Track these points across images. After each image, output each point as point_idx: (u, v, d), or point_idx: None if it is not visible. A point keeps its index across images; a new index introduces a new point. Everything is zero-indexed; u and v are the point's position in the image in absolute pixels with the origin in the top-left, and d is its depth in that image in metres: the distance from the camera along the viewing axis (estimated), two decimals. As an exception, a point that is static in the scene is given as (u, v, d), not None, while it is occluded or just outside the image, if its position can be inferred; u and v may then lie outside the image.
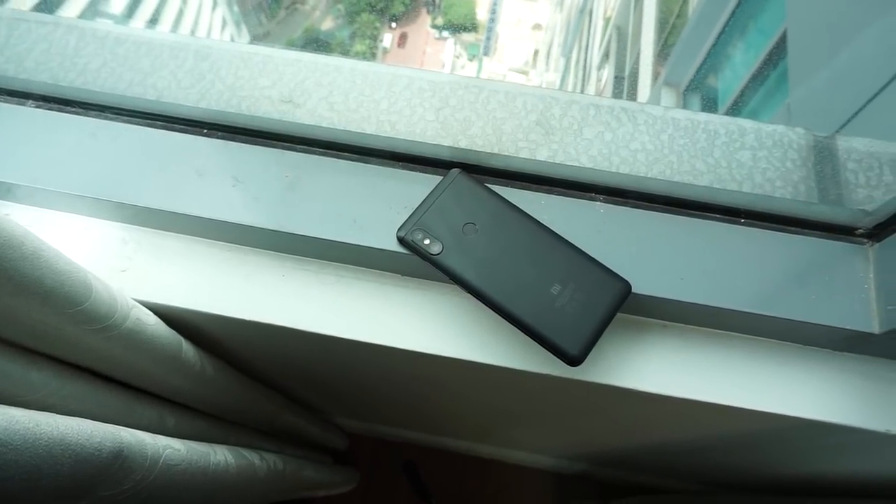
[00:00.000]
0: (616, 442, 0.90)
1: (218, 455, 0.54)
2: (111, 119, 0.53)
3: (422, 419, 1.13)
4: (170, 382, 0.54)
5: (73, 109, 0.54)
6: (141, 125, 0.53)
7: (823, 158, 0.50)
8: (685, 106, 4.51)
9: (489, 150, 0.50)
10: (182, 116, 0.53)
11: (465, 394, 0.72)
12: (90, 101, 0.54)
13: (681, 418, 0.60)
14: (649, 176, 0.49)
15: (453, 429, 1.18)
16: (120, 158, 0.51)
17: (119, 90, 0.53)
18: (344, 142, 0.52)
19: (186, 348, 0.54)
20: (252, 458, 0.63)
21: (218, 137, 0.53)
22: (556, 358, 0.44)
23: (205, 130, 0.53)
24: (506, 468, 1.35)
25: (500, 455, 1.33)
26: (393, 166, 0.52)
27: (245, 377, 0.70)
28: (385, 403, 1.00)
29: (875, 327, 0.45)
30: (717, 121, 0.52)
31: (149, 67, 0.54)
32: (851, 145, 0.51)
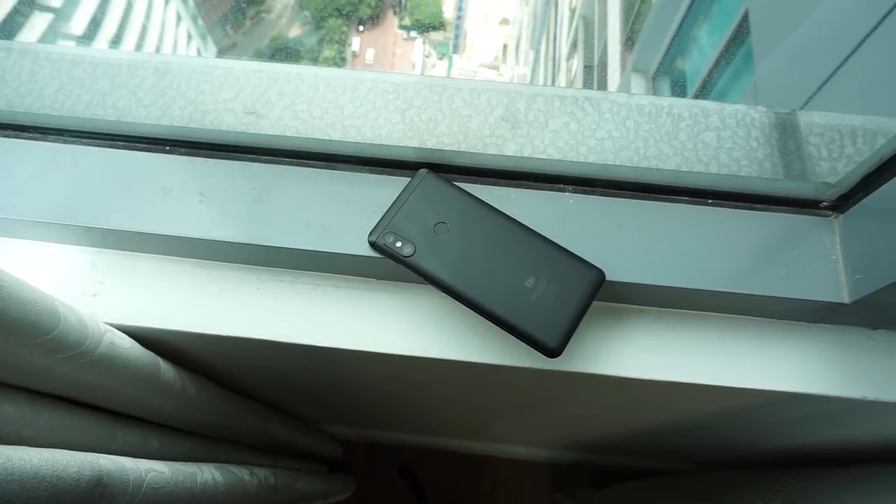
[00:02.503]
0: (605, 429, 0.91)
1: (205, 474, 0.53)
2: (70, 142, 0.52)
3: (413, 421, 1.12)
4: (151, 404, 0.53)
5: (31, 135, 0.53)
6: (102, 146, 0.52)
7: (786, 134, 0.51)
8: (655, 91, 4.56)
9: (456, 149, 0.50)
10: (144, 135, 0.52)
11: (451, 393, 0.72)
12: (48, 126, 0.53)
13: (664, 401, 0.61)
14: (617, 163, 0.49)
15: (445, 428, 1.19)
16: (82, 182, 0.51)
17: (78, 112, 0.52)
18: (310, 150, 0.52)
19: (165, 369, 0.53)
20: (241, 474, 0.62)
21: (181, 154, 0.52)
22: (535, 351, 0.44)
23: (168, 147, 0.52)
24: (500, 463, 1.35)
25: (494, 450, 1.34)
26: (361, 171, 0.52)
27: (229, 393, 0.69)
28: (374, 408, 0.99)
29: (845, 297, 0.46)
30: (681, 104, 0.52)
31: (108, 88, 0.53)
32: (812, 120, 0.51)
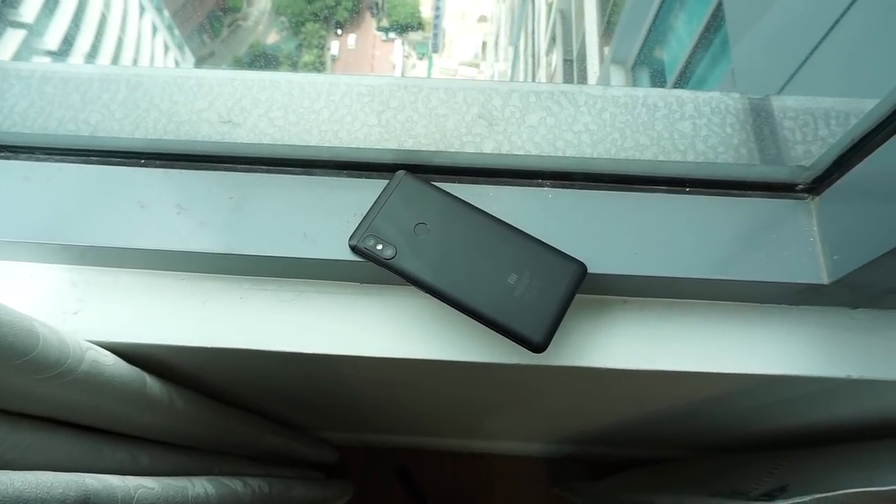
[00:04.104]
0: (597, 420, 0.91)
1: (197, 488, 0.53)
2: (43, 160, 0.52)
3: (406, 422, 1.12)
4: (138, 420, 0.53)
5: (2, 154, 0.52)
6: (75, 162, 0.52)
7: (760, 120, 0.51)
8: (635, 81, 4.58)
9: (434, 149, 0.50)
10: (118, 149, 0.52)
11: (441, 392, 0.72)
12: (20, 144, 0.52)
13: (653, 390, 0.61)
14: (594, 156, 0.50)
15: (439, 428, 1.18)
16: (57, 199, 0.50)
17: (50, 129, 0.51)
18: (288, 156, 0.51)
19: (151, 384, 0.53)
20: (235, 485, 0.62)
21: (156, 166, 0.51)
22: (521, 347, 0.44)
23: (142, 161, 0.52)
24: (496, 460, 1.35)
25: (490, 448, 1.34)
26: (339, 175, 0.51)
27: (219, 404, 0.69)
28: (367, 412, 0.99)
29: (824, 278, 0.46)
30: (656, 94, 0.53)
31: (79, 103, 0.52)
32: (786, 104, 0.52)
